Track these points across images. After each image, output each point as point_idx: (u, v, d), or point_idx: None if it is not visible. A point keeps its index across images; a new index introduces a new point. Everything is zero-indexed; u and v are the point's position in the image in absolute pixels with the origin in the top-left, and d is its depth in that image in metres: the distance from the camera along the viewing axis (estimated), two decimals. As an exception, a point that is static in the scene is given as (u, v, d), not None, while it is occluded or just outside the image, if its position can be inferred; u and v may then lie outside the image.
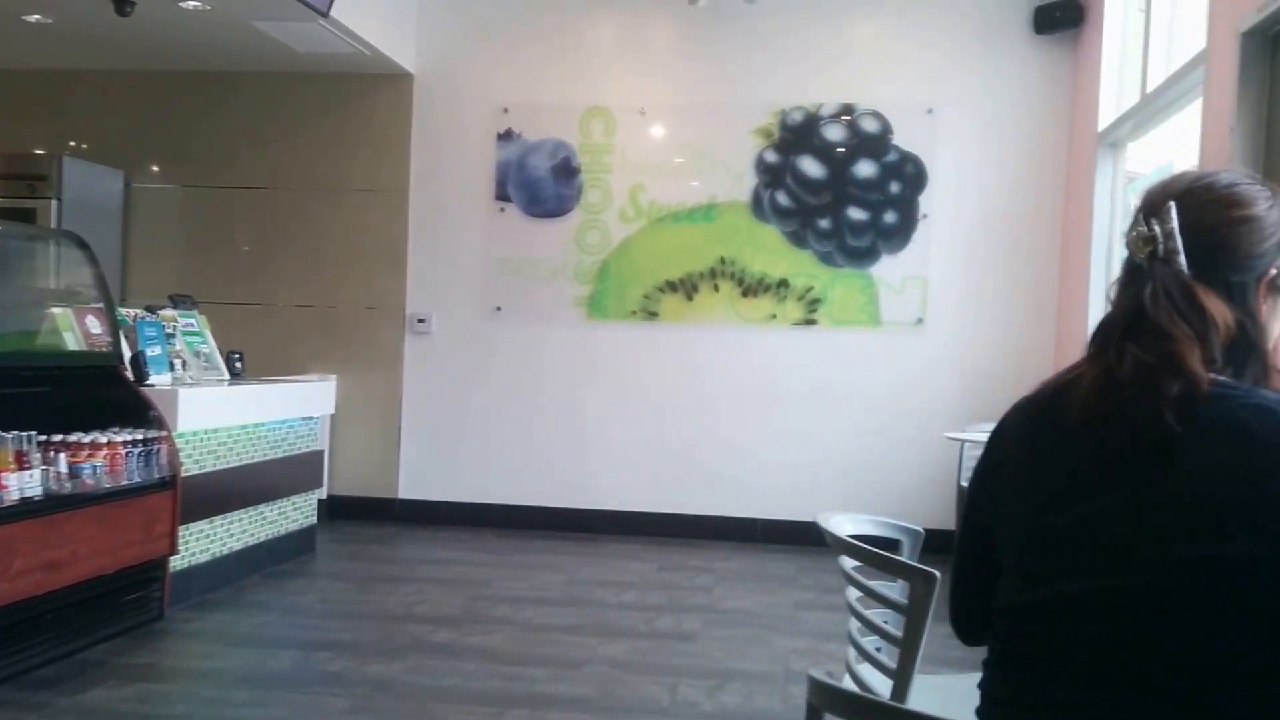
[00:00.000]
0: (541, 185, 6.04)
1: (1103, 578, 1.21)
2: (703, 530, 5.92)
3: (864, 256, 5.85)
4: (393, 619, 4.15)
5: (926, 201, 5.79)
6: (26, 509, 3.34)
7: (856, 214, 5.84)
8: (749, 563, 5.42)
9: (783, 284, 5.89)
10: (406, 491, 6.13)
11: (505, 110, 6.05)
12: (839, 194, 5.85)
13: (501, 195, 6.06)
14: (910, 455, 5.70)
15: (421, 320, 6.13)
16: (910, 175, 5.80)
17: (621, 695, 3.37)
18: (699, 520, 5.95)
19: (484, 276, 6.09)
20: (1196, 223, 1.26)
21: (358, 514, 6.05)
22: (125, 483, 3.77)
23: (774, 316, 5.90)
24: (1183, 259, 1.25)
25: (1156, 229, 1.27)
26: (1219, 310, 1.23)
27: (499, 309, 6.07)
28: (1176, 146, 4.64)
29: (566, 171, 6.02)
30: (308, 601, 4.42)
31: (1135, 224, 1.30)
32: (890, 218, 5.82)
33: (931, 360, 5.79)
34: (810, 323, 5.88)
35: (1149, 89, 4.59)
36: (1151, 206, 1.30)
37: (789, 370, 5.90)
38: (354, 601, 4.47)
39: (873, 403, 5.83)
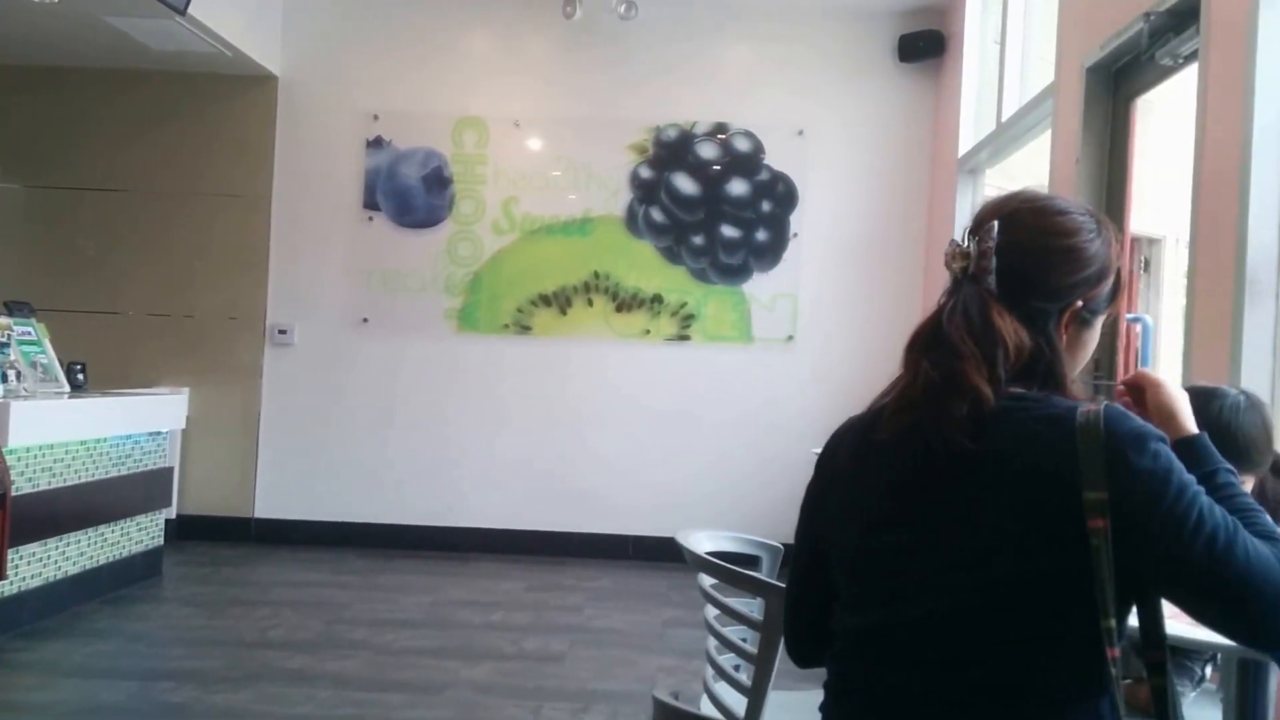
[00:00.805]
0: (412, 194, 5.94)
1: (915, 603, 1.24)
2: (574, 548, 5.89)
3: (736, 273, 5.93)
4: (243, 645, 3.98)
5: (797, 220, 5.92)
6: None
7: (729, 231, 5.92)
8: (620, 580, 5.41)
9: (656, 299, 5.93)
10: (263, 510, 5.92)
11: (375, 117, 5.93)
12: (712, 211, 5.92)
13: (370, 204, 5.93)
14: (779, 471, 5.79)
15: (283, 331, 5.94)
16: (781, 195, 5.92)
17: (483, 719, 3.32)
18: (570, 538, 5.92)
19: (350, 287, 5.94)
20: (1016, 244, 1.28)
21: (210, 534, 5.80)
22: (-53, 503, 3.53)
23: (648, 332, 5.93)
24: (993, 279, 1.27)
25: (973, 246, 1.30)
26: (1011, 332, 1.25)
27: (366, 320, 5.93)
28: (1032, 174, 4.86)
29: (438, 181, 5.94)
30: (151, 628, 4.21)
31: (960, 238, 1.32)
32: (762, 236, 5.92)
33: (800, 377, 5.91)
34: (683, 338, 5.93)
35: (1004, 118, 4.80)
36: (978, 223, 1.32)
37: (662, 386, 5.94)
38: (202, 627, 4.27)
39: (743, 419, 5.91)
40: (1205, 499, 1.17)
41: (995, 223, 1.28)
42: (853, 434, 1.40)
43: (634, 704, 3.51)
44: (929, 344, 1.28)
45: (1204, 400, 2.03)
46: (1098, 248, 1.32)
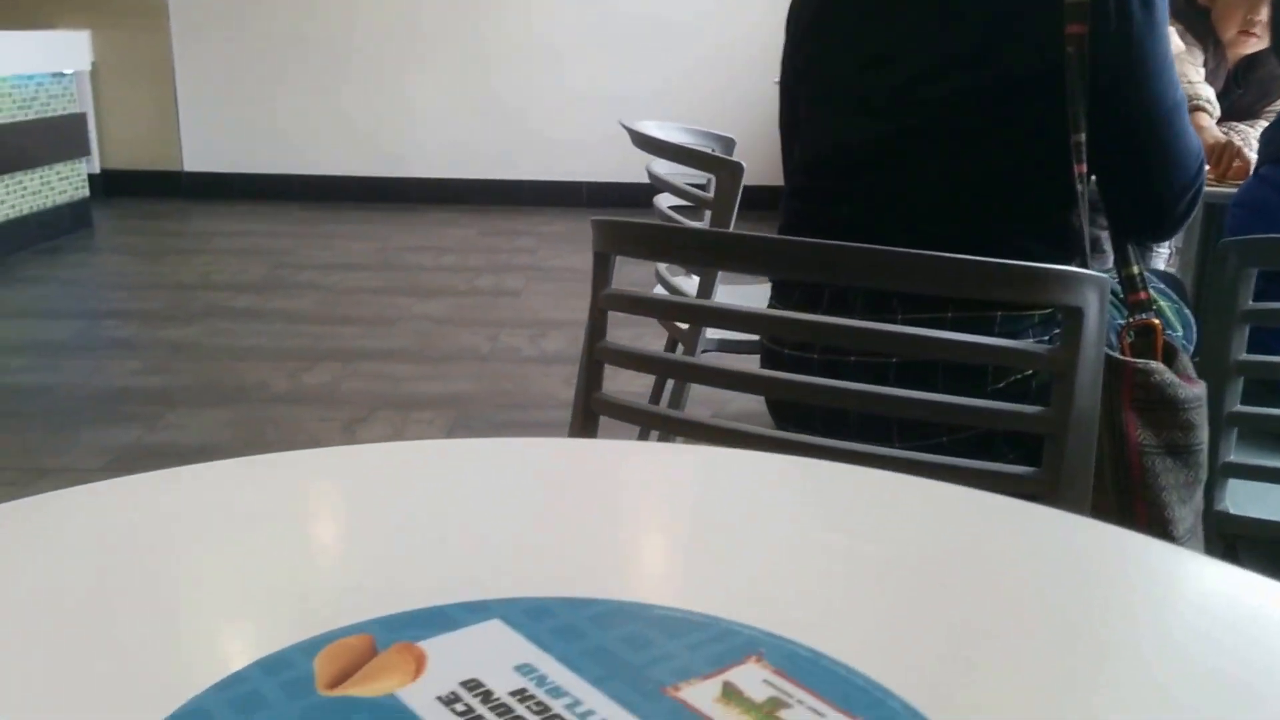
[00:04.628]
0: None
1: (872, 123, 1.25)
2: (526, 196, 5.89)
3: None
4: (185, 288, 4.04)
5: None
6: None
7: None
8: (574, 226, 5.45)
9: (605, -84, 5.55)
10: (193, 164, 5.81)
11: None
12: None
13: None
14: (751, 98, 5.69)
15: (187, -40, 5.56)
16: None
17: (440, 345, 3.44)
18: (522, 186, 5.90)
19: (257, -93, 5.50)
20: None
21: (138, 189, 5.72)
22: None
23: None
24: None
25: None
26: None
27: (278, -54, 5.55)
28: None
29: None
30: (88, 275, 4.25)
31: None
32: None
33: None
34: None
35: None
36: None
37: (624, 9, 5.68)
38: (141, 273, 4.32)
39: (713, 39, 5.71)
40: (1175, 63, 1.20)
41: None
42: None
43: (593, 329, 3.63)
44: None
45: None
46: None
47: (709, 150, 2.54)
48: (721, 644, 0.43)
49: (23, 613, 0.46)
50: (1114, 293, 1.43)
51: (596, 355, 1.24)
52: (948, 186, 1.23)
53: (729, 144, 2.39)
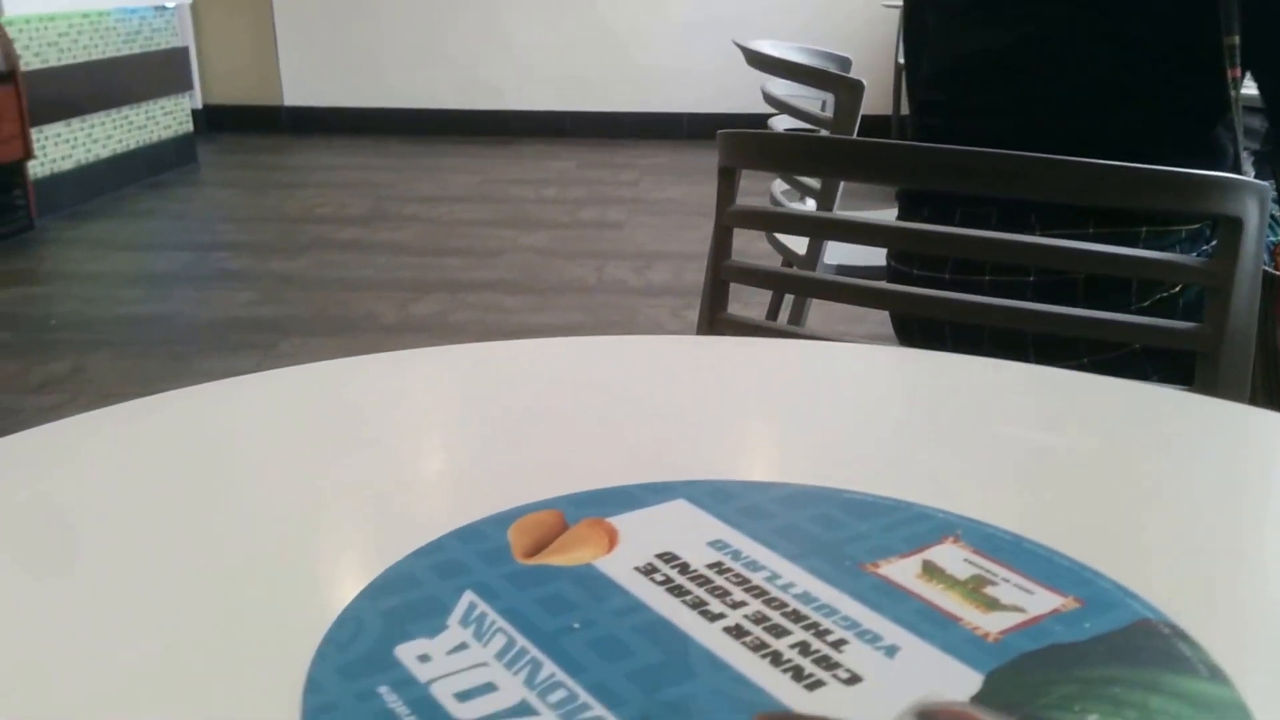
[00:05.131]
0: None
1: (1007, 28, 1.21)
2: (625, 129, 5.86)
3: None
4: (292, 220, 4.14)
5: None
6: None
7: None
8: (675, 158, 5.42)
9: None
10: (293, 98, 5.91)
11: None
12: None
13: None
14: (858, 21, 5.57)
15: (285, -109, 5.62)
16: None
17: (546, 277, 3.47)
18: (620, 118, 5.87)
19: None
20: None
21: (240, 125, 5.85)
22: (-41, 78, 3.55)
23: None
24: None
25: None
26: None
27: (375, -127, 5.56)
28: None
29: None
30: (196, 208, 4.38)
31: None
32: None
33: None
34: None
35: None
36: None
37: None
38: (248, 206, 4.43)
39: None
40: None
41: None
42: None
43: (697, 261, 3.62)
44: None
45: None
46: None
47: (821, 68, 2.50)
48: (915, 526, 0.43)
49: (237, 482, 0.48)
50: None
51: (722, 274, 1.24)
52: (1085, 95, 1.19)
53: (845, 63, 2.34)
